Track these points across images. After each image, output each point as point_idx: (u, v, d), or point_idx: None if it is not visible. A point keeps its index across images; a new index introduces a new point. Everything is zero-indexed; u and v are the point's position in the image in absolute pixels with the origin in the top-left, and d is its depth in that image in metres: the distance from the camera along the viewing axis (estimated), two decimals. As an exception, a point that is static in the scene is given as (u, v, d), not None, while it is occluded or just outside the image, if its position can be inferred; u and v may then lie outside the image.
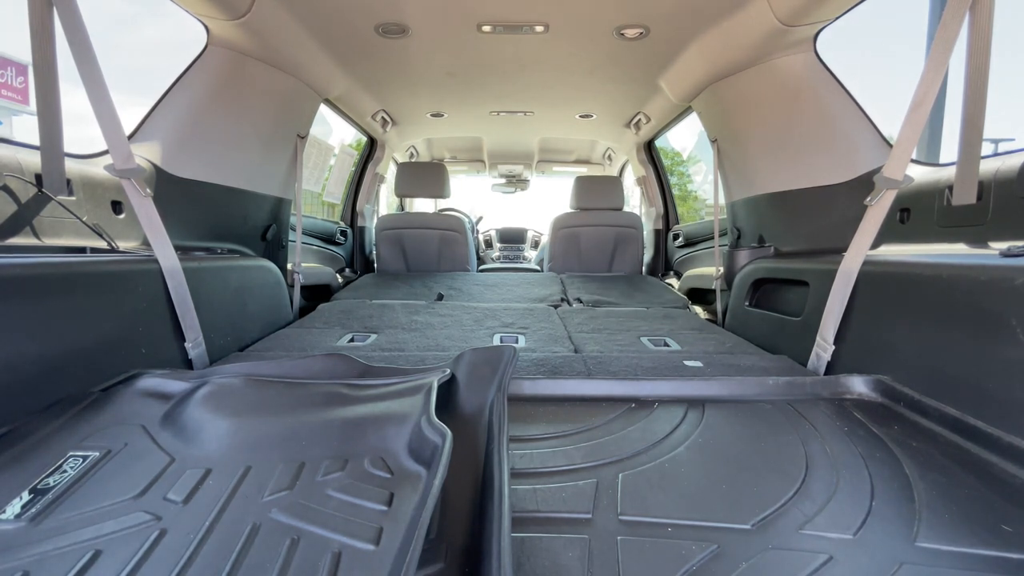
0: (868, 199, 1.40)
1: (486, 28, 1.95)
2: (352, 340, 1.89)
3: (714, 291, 2.52)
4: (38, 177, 1.26)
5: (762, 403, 1.24)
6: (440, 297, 2.75)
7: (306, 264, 2.94)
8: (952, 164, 1.32)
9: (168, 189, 1.68)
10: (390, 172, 4.30)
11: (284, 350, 1.72)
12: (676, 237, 3.64)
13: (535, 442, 1.04)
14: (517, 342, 1.86)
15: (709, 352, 1.75)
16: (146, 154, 1.65)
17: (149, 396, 1.12)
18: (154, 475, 0.83)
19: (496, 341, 1.90)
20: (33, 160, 1.27)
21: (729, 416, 1.16)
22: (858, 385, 1.30)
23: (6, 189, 1.20)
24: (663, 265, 3.96)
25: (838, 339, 1.47)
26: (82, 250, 1.34)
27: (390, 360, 1.57)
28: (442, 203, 5.35)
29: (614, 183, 3.82)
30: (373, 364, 1.35)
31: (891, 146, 1.41)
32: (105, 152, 1.52)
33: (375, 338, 1.91)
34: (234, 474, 0.84)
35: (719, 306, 2.48)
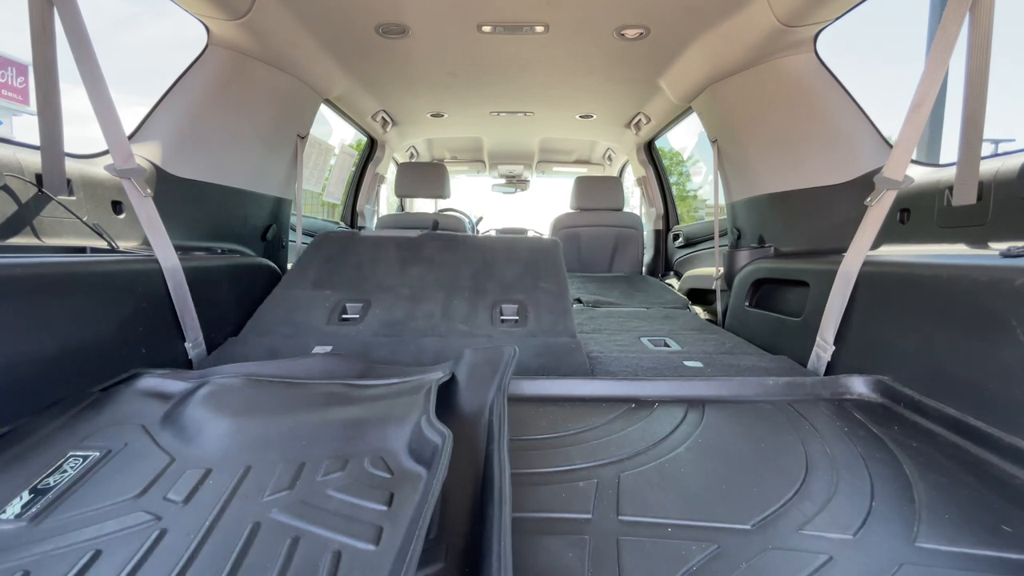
0: (868, 199, 1.40)
1: (486, 28, 1.95)
2: (344, 313, 1.81)
3: (714, 291, 2.52)
4: (38, 177, 1.27)
5: (762, 403, 1.24)
6: (435, 226, 2.63)
7: (306, 264, 2.93)
8: (952, 164, 1.32)
9: (168, 189, 1.68)
10: (390, 172, 4.30)
11: (277, 324, 1.71)
12: (676, 237, 3.64)
13: (535, 442, 1.04)
14: None
15: (709, 352, 1.75)
16: (146, 154, 1.65)
17: (149, 396, 1.12)
18: (154, 475, 0.83)
19: (496, 309, 1.85)
20: (33, 160, 1.27)
21: (729, 416, 1.16)
22: (858, 385, 1.30)
23: (6, 189, 1.20)
24: (663, 265, 3.96)
25: (838, 339, 1.47)
26: (82, 250, 1.34)
27: (390, 347, 1.57)
28: (442, 203, 5.36)
29: (614, 183, 3.82)
30: (374, 363, 1.35)
31: (891, 146, 1.41)
32: (105, 152, 1.52)
33: (369, 316, 1.79)
34: (234, 474, 0.84)
35: (719, 306, 2.48)
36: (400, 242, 2.20)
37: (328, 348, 1.57)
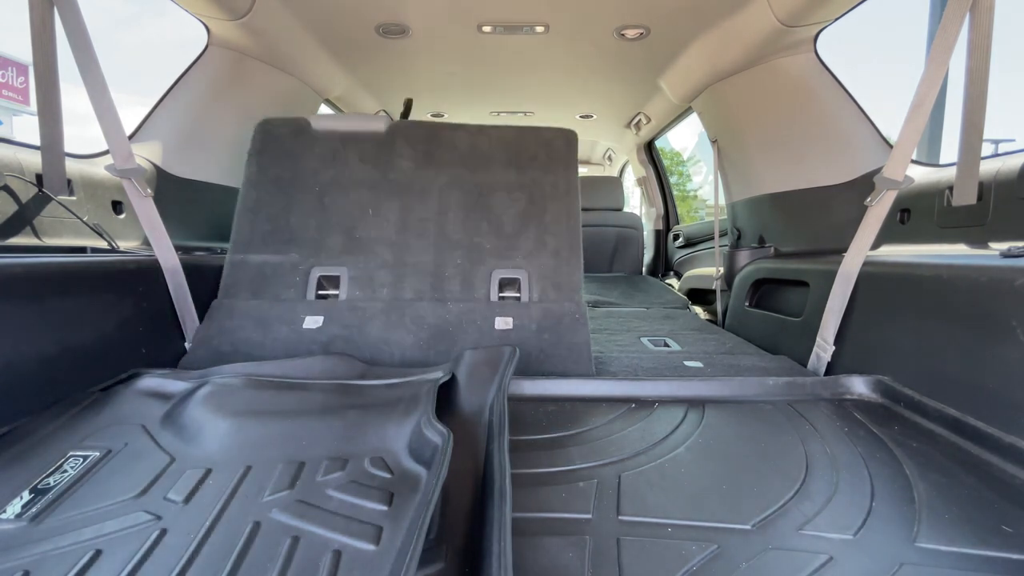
0: (868, 199, 1.40)
1: (486, 28, 1.95)
2: (321, 289, 1.59)
3: (714, 291, 2.52)
4: (39, 177, 1.27)
5: (762, 403, 1.24)
6: (407, 109, 2.11)
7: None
8: (952, 165, 1.32)
9: (168, 189, 1.68)
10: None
11: (247, 315, 1.52)
12: (676, 237, 3.64)
13: (535, 442, 1.04)
14: None
15: (709, 352, 1.75)
16: (146, 154, 1.65)
17: (149, 396, 1.12)
18: (154, 475, 0.83)
19: (495, 281, 1.64)
20: (34, 160, 1.27)
21: (729, 416, 1.16)
22: (858, 385, 1.30)
23: (7, 189, 1.20)
24: (663, 265, 3.97)
25: (838, 339, 1.47)
26: (83, 250, 1.34)
27: (383, 320, 1.49)
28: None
29: (614, 183, 3.82)
30: (374, 363, 1.35)
31: (891, 146, 1.41)
32: (105, 152, 1.52)
33: (348, 299, 1.57)
34: (234, 474, 0.84)
35: (719, 306, 2.48)
36: (365, 148, 1.69)
37: (319, 319, 1.49)
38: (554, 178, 1.68)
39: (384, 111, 3.19)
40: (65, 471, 0.83)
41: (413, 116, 3.32)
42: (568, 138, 1.72)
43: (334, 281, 1.60)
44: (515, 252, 1.63)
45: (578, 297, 1.60)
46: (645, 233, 3.88)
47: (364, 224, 1.63)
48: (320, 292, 1.59)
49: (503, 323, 1.51)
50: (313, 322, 1.50)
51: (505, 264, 1.62)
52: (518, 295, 1.61)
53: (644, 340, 1.93)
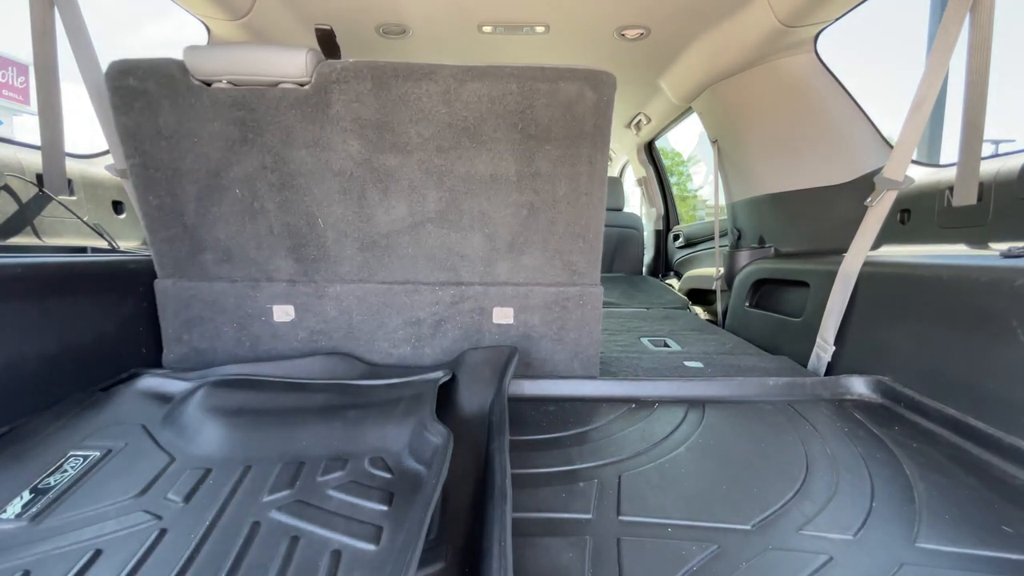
0: (868, 200, 1.40)
1: (487, 28, 1.95)
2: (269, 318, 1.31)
3: (714, 292, 2.52)
4: (39, 177, 1.27)
5: (762, 404, 1.24)
6: (328, 40, 1.57)
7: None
8: (952, 165, 1.32)
9: None
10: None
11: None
12: (676, 238, 3.64)
13: (535, 443, 1.04)
14: None
15: (709, 353, 1.75)
16: None
17: (149, 396, 1.12)
18: (154, 475, 0.83)
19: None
20: (34, 160, 1.27)
21: (729, 417, 1.16)
22: (858, 386, 1.31)
23: (7, 189, 1.20)
24: (663, 266, 3.97)
25: (838, 340, 1.47)
26: (83, 250, 1.34)
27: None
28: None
29: (614, 183, 3.82)
30: (374, 363, 1.35)
31: (891, 147, 1.41)
32: (105, 152, 1.53)
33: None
34: (234, 474, 0.84)
35: (719, 307, 2.48)
36: (286, 117, 1.15)
37: (290, 308, 1.28)
38: (573, 170, 1.20)
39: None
40: (65, 471, 0.83)
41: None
42: (600, 90, 1.15)
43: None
44: (516, 270, 1.30)
45: (596, 338, 1.32)
46: (645, 233, 3.88)
47: (314, 237, 1.24)
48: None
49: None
50: (283, 311, 1.29)
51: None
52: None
53: (644, 340, 1.93)
